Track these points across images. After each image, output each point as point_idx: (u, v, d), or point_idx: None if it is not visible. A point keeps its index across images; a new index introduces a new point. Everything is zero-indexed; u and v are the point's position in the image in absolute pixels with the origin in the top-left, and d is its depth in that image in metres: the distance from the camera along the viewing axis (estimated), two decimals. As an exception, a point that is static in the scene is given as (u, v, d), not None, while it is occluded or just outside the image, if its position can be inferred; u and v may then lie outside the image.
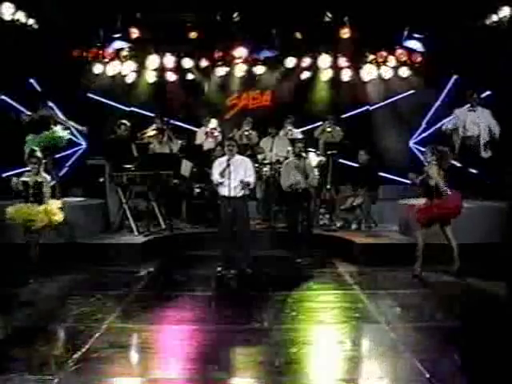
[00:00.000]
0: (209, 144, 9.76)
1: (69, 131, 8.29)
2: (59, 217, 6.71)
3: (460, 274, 6.40)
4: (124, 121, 8.60)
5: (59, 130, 8.06)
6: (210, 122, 10.10)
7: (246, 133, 9.72)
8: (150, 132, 9.67)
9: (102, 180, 9.12)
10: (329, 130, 9.69)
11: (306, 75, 11.09)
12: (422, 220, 6.48)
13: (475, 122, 7.97)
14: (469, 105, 8.10)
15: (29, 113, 8.27)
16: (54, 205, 6.74)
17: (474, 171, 8.21)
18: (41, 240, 6.67)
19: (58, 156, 8.81)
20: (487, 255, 6.87)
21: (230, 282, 6.52)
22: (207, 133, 9.97)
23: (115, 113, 10.54)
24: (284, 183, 7.50)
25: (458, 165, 7.97)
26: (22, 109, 9.00)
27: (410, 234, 7.21)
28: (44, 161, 7.17)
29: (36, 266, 6.51)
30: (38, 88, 10.11)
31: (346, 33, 10.34)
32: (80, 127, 8.47)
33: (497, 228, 7.27)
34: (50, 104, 8.61)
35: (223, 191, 6.64)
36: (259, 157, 9.30)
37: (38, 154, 7.21)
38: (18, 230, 6.77)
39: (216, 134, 9.93)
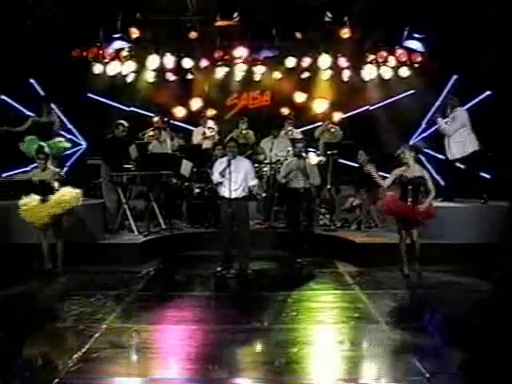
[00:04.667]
0: (206, 144, 9.76)
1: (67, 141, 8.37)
2: (68, 203, 6.52)
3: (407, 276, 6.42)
4: (122, 121, 8.43)
5: (62, 140, 8.10)
6: (206, 122, 10.09)
7: (244, 131, 9.72)
8: (150, 132, 9.68)
9: (100, 180, 9.11)
10: (332, 130, 9.71)
11: (305, 75, 11.09)
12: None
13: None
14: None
15: (33, 114, 8.26)
16: (61, 195, 6.52)
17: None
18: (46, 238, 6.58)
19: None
20: (487, 255, 6.87)
21: (229, 281, 6.52)
22: (204, 133, 9.97)
23: (117, 113, 10.53)
24: (281, 174, 7.49)
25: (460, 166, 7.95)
26: (21, 108, 9.00)
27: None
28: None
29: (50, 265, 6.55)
30: (39, 88, 10.10)
31: (345, 33, 10.35)
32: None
33: (496, 228, 7.27)
34: (56, 111, 8.58)
35: (223, 191, 6.64)
36: (259, 157, 9.30)
37: (46, 149, 7.15)
38: (18, 230, 6.77)
39: (211, 133, 9.92)
